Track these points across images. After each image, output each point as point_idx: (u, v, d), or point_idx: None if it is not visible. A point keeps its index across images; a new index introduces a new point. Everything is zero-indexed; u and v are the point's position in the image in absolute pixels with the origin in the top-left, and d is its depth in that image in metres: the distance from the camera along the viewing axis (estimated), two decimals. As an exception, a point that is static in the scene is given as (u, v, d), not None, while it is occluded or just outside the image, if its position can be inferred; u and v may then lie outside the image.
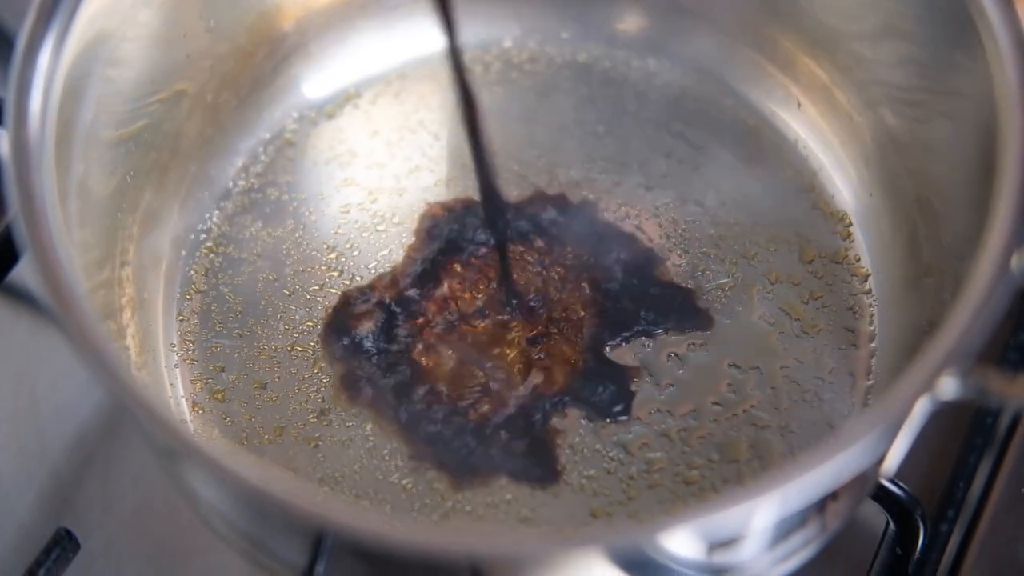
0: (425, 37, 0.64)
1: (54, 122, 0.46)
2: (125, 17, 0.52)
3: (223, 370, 0.56)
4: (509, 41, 0.65)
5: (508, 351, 0.56)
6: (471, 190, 0.60)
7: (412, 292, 0.57)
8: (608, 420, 0.54)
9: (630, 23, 0.64)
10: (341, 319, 0.57)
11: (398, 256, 0.59)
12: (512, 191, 0.60)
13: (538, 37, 0.65)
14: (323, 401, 0.55)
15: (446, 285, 0.58)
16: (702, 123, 0.63)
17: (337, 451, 0.53)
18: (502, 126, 0.62)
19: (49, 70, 0.47)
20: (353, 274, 0.59)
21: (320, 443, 0.54)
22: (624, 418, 0.54)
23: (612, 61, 0.65)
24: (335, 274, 0.59)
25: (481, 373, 0.55)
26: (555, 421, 0.54)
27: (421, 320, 0.57)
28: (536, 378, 0.55)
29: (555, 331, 0.56)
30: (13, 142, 0.45)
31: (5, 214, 0.44)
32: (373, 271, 0.59)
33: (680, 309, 0.57)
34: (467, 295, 0.57)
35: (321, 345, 0.56)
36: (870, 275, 0.58)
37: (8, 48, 0.47)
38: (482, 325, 0.56)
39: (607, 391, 0.55)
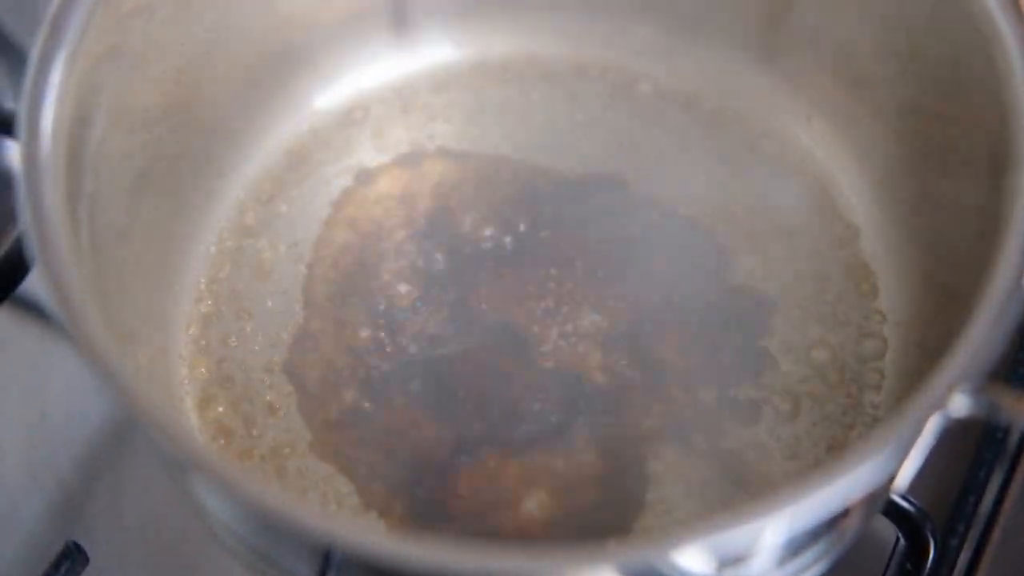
0: (434, 50, 0.65)
1: (66, 135, 0.47)
2: (135, 31, 0.52)
3: (233, 383, 0.56)
4: (515, 48, 0.65)
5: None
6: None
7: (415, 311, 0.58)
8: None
9: (639, 33, 0.64)
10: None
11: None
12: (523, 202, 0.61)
13: (545, 46, 0.65)
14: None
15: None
16: (711, 135, 0.62)
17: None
18: (508, 135, 0.62)
19: (61, 84, 0.47)
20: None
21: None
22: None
23: (620, 70, 0.64)
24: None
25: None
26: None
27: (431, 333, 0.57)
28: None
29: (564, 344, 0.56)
30: (25, 155, 0.45)
31: (15, 226, 0.44)
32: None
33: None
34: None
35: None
36: (879, 290, 0.57)
37: (20, 62, 0.47)
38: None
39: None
